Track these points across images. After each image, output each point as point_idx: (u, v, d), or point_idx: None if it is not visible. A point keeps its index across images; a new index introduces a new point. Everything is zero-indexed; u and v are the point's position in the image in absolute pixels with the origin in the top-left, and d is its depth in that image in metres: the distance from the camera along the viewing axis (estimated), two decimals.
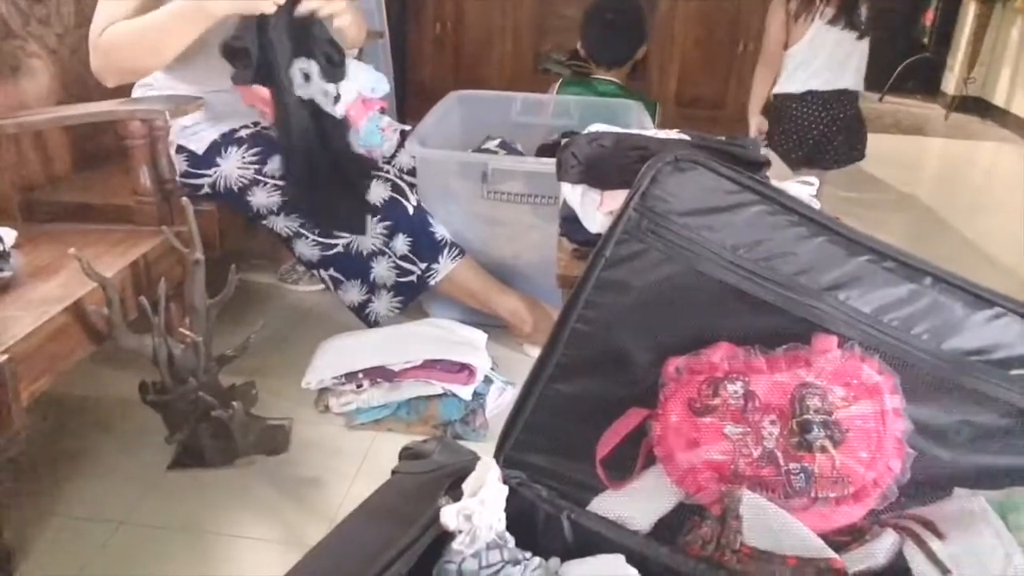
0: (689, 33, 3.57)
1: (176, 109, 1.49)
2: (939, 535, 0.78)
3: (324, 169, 1.59)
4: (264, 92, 1.52)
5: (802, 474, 0.83)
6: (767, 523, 0.82)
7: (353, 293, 1.72)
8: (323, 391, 1.56)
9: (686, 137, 1.20)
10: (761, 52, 2.23)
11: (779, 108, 2.22)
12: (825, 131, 2.12)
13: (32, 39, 1.71)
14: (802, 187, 1.05)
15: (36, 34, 1.72)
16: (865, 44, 2.11)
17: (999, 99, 4.48)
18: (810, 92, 2.12)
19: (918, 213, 3.00)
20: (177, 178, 1.59)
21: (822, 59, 2.08)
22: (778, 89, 2.21)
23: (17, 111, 1.59)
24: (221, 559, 1.21)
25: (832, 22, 2.05)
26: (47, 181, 1.70)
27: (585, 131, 1.24)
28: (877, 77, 5.00)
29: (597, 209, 1.14)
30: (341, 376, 1.52)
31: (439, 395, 1.51)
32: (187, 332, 1.31)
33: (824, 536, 0.81)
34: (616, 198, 1.10)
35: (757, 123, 2.30)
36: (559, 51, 3.69)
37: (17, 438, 1.41)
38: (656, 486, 0.88)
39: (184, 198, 1.38)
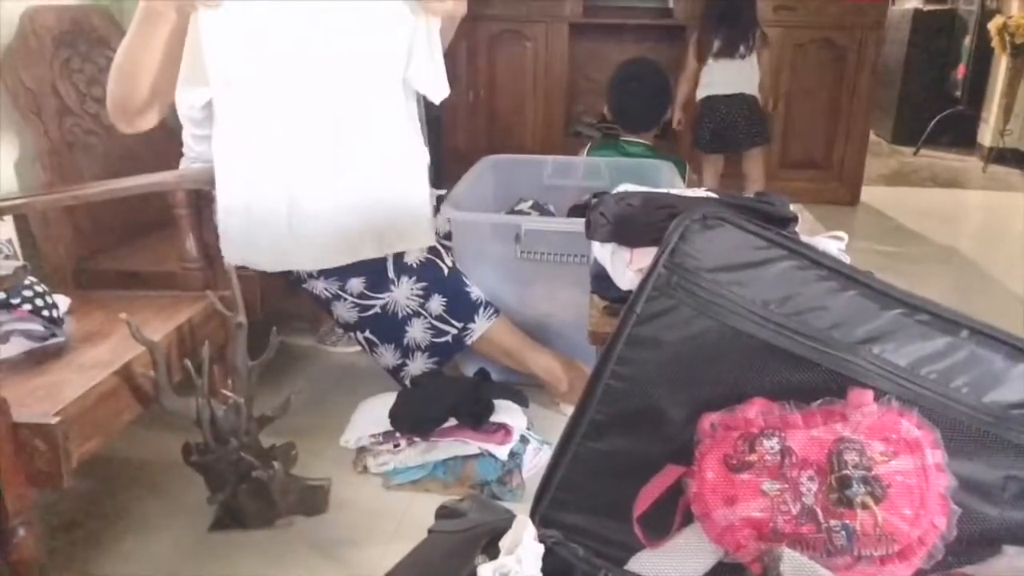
0: None
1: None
2: None
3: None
4: None
5: (843, 531, 0.81)
6: None
7: (388, 356, 1.75)
8: (361, 451, 1.57)
9: (714, 195, 1.22)
10: (683, 72, 3.05)
11: (703, 108, 3.01)
12: (728, 123, 2.96)
13: (88, 116, 1.82)
14: (831, 241, 1.06)
15: (92, 112, 1.82)
16: (754, 60, 2.95)
17: None
18: (715, 96, 2.97)
19: (960, 266, 2.95)
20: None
21: (719, 74, 2.95)
22: (701, 94, 3.00)
23: (72, 184, 1.68)
24: None
25: (719, 56, 2.93)
26: (98, 250, 1.78)
27: (614, 191, 1.26)
28: (911, 131, 5.02)
29: (627, 267, 1.15)
30: (379, 435, 1.54)
31: (475, 455, 1.52)
32: (229, 393, 1.34)
33: None
34: (645, 255, 1.12)
35: (679, 116, 3.09)
36: (589, 114, 3.77)
37: (64, 497, 1.44)
38: (695, 544, 0.86)
39: (228, 263, 1.43)
